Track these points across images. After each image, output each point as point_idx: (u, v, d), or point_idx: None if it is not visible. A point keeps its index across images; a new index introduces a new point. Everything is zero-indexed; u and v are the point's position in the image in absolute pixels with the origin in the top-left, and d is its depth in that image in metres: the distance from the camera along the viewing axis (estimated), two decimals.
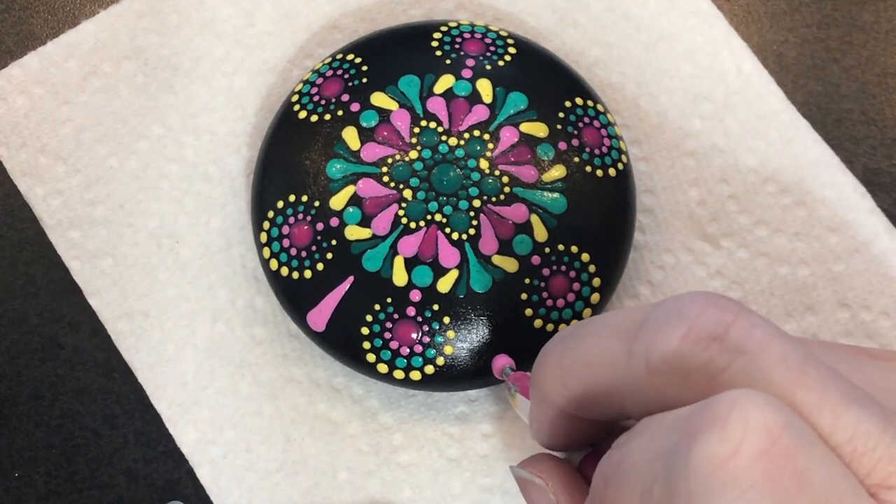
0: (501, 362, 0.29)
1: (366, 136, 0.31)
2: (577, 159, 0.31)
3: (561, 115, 0.31)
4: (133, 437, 0.32)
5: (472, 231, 0.30)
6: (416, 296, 0.30)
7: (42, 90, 0.34)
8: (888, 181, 0.34)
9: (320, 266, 0.30)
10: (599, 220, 0.30)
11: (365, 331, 0.30)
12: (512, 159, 0.30)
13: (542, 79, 0.32)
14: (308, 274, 0.30)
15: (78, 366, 0.33)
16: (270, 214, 0.31)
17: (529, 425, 0.25)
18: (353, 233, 0.30)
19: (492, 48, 0.32)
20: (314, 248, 0.30)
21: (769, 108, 0.34)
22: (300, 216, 0.30)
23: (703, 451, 0.17)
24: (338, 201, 0.30)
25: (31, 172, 0.34)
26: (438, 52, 0.32)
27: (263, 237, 0.31)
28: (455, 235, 0.30)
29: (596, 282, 0.30)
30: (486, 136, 0.31)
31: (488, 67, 0.32)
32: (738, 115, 0.34)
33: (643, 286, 0.33)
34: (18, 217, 0.34)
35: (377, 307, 0.30)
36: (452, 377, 0.30)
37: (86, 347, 0.33)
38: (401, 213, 0.30)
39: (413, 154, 0.31)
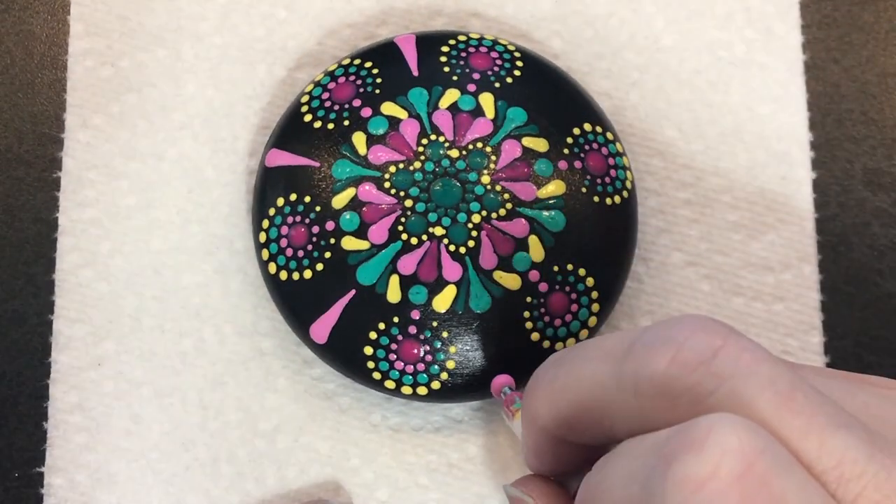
0: (500, 381, 0.29)
1: (374, 140, 0.31)
2: (577, 182, 0.31)
3: (569, 140, 0.31)
4: None
5: (471, 244, 0.30)
6: (416, 314, 0.30)
7: None
8: (888, 181, 0.34)
9: (313, 271, 0.30)
10: (599, 243, 0.30)
11: (369, 350, 0.30)
12: (512, 175, 0.30)
13: (547, 95, 0.32)
14: (300, 275, 0.30)
15: None
16: (271, 212, 0.31)
17: (522, 447, 0.25)
18: (350, 243, 0.30)
19: (498, 63, 0.32)
20: (310, 247, 0.30)
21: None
22: (298, 217, 0.30)
23: (679, 473, 0.17)
24: (339, 201, 0.30)
25: None
26: (446, 68, 0.32)
27: (262, 237, 0.31)
28: (452, 248, 0.30)
29: (595, 307, 0.30)
30: (489, 150, 0.31)
31: (494, 83, 0.31)
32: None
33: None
34: (18, 217, 0.34)
35: (382, 326, 0.30)
36: (461, 390, 0.30)
37: None
38: (400, 227, 0.30)
39: (416, 164, 0.31)
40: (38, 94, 0.35)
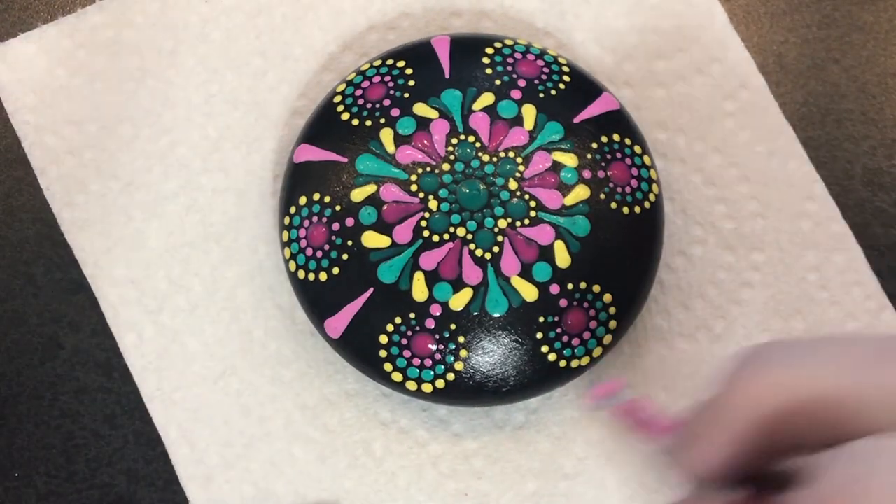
0: (612, 387, 0.27)
1: (402, 140, 0.31)
2: (599, 189, 0.30)
3: (594, 145, 0.31)
4: (133, 437, 0.32)
5: (495, 249, 0.30)
6: (436, 310, 0.29)
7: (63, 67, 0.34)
8: (888, 181, 0.34)
9: (336, 270, 0.30)
10: (621, 254, 0.30)
11: (384, 339, 0.30)
12: (538, 183, 0.30)
13: (586, 111, 0.31)
14: (323, 276, 0.30)
15: (78, 366, 0.33)
16: (293, 210, 0.31)
17: (673, 450, 0.23)
18: (371, 240, 0.30)
19: (545, 71, 0.32)
20: (328, 247, 0.30)
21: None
22: (315, 218, 0.30)
23: None
24: (358, 194, 0.30)
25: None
26: (489, 70, 0.31)
27: (285, 236, 0.31)
28: (479, 253, 0.30)
29: (612, 324, 0.30)
30: (520, 160, 0.30)
31: (539, 94, 0.31)
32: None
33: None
34: (18, 217, 0.34)
35: (398, 320, 0.29)
36: (463, 392, 0.30)
37: (86, 347, 0.33)
38: (423, 223, 0.30)
39: (445, 166, 0.30)
40: None
